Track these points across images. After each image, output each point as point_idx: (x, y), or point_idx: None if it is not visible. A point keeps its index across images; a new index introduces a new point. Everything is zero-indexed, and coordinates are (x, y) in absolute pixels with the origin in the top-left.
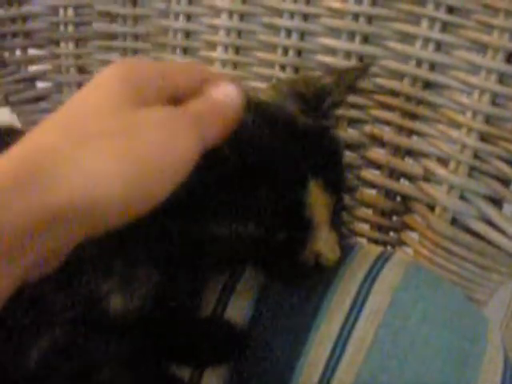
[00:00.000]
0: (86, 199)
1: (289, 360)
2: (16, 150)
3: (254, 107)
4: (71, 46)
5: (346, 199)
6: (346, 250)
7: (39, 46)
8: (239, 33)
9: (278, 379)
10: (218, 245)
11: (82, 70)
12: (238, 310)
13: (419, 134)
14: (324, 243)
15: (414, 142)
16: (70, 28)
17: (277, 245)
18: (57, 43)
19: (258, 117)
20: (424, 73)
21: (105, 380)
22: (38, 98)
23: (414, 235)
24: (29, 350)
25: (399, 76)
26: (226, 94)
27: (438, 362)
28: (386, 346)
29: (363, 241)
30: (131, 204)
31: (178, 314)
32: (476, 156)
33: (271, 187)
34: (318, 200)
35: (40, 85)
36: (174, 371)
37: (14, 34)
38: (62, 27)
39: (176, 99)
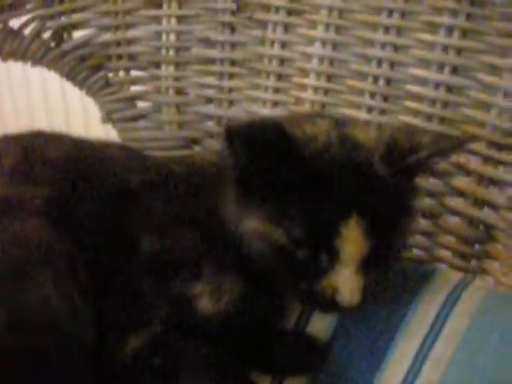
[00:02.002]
0: None
1: (366, 376)
2: None
3: (340, 138)
4: (171, 69)
5: (429, 225)
6: (427, 274)
7: (141, 68)
8: (331, 61)
9: None
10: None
11: (180, 91)
12: (320, 326)
13: (504, 163)
14: (344, 281)
15: (499, 172)
16: (171, 52)
17: (298, 261)
18: (158, 66)
19: (339, 146)
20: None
21: (193, 381)
22: (138, 117)
23: (495, 264)
24: (126, 343)
25: (486, 107)
26: None
27: None
28: (463, 367)
29: (445, 267)
30: None
31: (262, 324)
32: None
33: (316, 205)
34: (351, 237)
35: (140, 104)
36: (254, 379)
37: (119, 57)
38: (163, 51)
39: None
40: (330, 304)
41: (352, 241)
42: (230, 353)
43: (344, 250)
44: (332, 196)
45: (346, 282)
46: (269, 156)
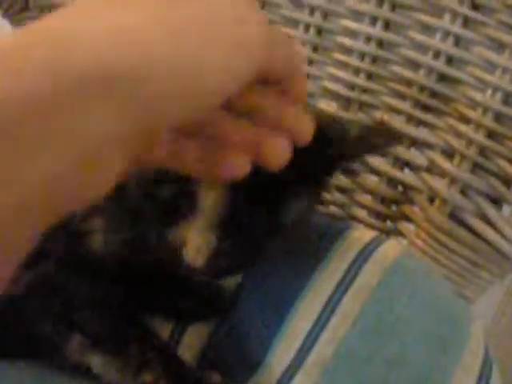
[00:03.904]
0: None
1: (271, 327)
2: None
3: None
4: None
5: (347, 183)
6: (340, 231)
7: None
8: (263, 5)
9: (258, 344)
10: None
11: None
12: None
13: (428, 125)
14: (193, 236)
15: (422, 133)
16: None
17: (159, 201)
18: None
19: None
20: (440, 65)
21: (82, 321)
22: None
23: (410, 226)
24: (22, 276)
25: (415, 66)
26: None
27: (419, 345)
28: (368, 324)
29: (359, 226)
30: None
31: (164, 268)
32: (481, 153)
33: None
34: (209, 186)
35: None
36: (155, 326)
37: None
38: None
39: None
40: (174, 258)
41: (212, 188)
42: (129, 297)
43: (202, 196)
44: None
45: (194, 237)
46: None
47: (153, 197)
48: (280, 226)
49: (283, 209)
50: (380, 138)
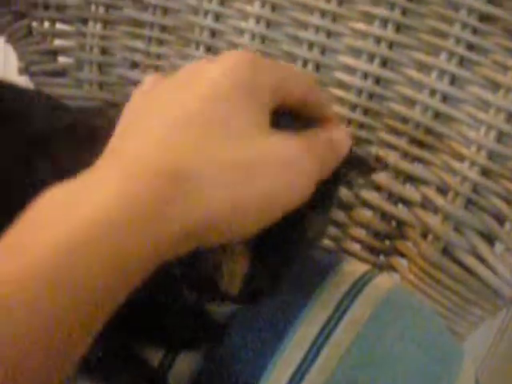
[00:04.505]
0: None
1: (263, 356)
2: (148, 157)
3: None
4: (99, 26)
5: (342, 216)
6: (333, 264)
7: (68, 22)
8: (263, 39)
9: (250, 373)
10: None
11: (104, 51)
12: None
13: (422, 161)
14: (226, 259)
15: (416, 169)
16: (101, 9)
17: None
18: (85, 22)
19: None
20: (436, 103)
21: None
22: (58, 73)
23: (403, 261)
24: None
25: (411, 103)
26: (341, 135)
27: (410, 380)
28: (359, 357)
29: (352, 259)
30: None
31: (157, 299)
32: (475, 190)
33: None
34: None
35: (62, 60)
36: (146, 356)
37: (46, 6)
38: (93, 7)
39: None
40: (208, 285)
41: None
42: (120, 324)
43: None
44: None
45: (228, 260)
46: None
47: None
48: (308, 241)
49: (309, 223)
50: (355, 168)
